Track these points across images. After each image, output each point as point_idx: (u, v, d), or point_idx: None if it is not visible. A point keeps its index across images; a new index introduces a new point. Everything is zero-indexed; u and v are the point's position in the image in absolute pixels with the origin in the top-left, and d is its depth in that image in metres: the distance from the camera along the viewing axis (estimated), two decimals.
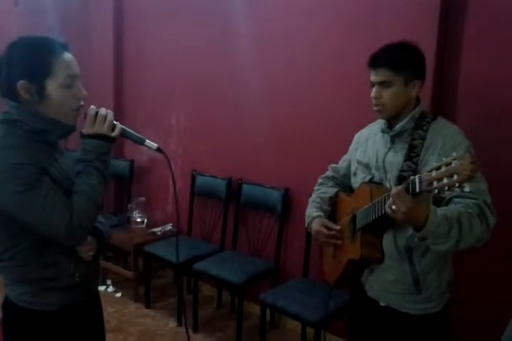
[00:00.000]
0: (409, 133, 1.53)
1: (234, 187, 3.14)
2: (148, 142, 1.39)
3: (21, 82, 1.22)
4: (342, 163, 1.90)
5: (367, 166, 1.68)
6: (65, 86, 1.26)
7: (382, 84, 1.51)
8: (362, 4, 2.44)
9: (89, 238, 1.34)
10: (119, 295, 3.33)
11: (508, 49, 2.04)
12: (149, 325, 2.98)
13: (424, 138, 1.50)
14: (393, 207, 1.28)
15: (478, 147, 1.55)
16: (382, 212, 1.39)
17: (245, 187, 3.06)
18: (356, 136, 1.85)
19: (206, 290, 3.35)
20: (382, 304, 1.62)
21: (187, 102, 3.44)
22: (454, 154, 1.12)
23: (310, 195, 2.61)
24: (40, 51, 1.24)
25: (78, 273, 1.36)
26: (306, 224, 1.83)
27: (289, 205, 2.89)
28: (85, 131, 1.32)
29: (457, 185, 1.08)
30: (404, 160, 1.51)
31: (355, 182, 1.74)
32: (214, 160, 3.29)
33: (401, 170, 1.51)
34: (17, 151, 1.21)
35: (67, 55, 1.27)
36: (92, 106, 1.32)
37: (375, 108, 1.58)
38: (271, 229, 2.96)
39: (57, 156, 1.34)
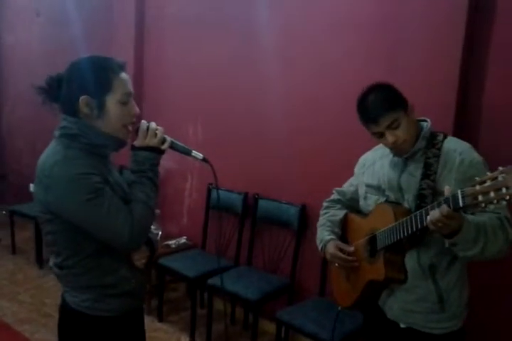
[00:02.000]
0: (422, 152, 1.55)
1: (250, 202, 3.13)
2: (194, 153, 1.47)
3: (83, 97, 1.29)
4: (348, 187, 1.90)
5: (378, 188, 1.68)
6: (122, 102, 1.34)
7: (391, 126, 1.52)
8: (385, 26, 2.45)
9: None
10: None
11: None
12: (162, 339, 2.96)
13: (438, 156, 1.53)
14: (440, 224, 1.28)
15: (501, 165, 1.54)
16: (414, 230, 1.40)
17: (262, 202, 3.06)
18: (361, 160, 1.86)
19: (219, 305, 3.33)
20: (402, 326, 1.60)
21: (205, 115, 3.46)
22: (501, 168, 1.13)
23: None
24: (102, 69, 1.32)
25: (134, 280, 1.43)
26: (320, 248, 1.83)
27: (305, 221, 2.88)
28: (137, 143, 1.39)
29: (508, 197, 1.09)
30: (422, 179, 1.52)
31: (367, 205, 1.73)
32: (231, 174, 3.28)
33: (420, 189, 1.52)
34: (80, 162, 1.28)
35: (124, 75, 1.36)
36: (143, 121, 1.39)
37: (395, 150, 1.59)
38: (287, 245, 2.95)
39: (110, 168, 1.42)
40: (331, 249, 1.75)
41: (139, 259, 1.43)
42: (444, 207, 1.25)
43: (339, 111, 2.66)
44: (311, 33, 2.79)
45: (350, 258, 1.70)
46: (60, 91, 1.34)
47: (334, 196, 1.95)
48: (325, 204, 1.96)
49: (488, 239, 1.37)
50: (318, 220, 2.74)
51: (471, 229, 1.33)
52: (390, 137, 1.53)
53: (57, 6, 4.49)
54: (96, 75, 1.31)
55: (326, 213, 1.92)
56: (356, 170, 1.87)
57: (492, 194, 1.12)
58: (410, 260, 1.55)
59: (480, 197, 1.15)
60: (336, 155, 2.71)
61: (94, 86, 1.30)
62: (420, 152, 1.56)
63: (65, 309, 1.43)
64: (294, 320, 2.39)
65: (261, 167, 3.10)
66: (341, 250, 1.73)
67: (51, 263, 1.43)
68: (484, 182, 1.14)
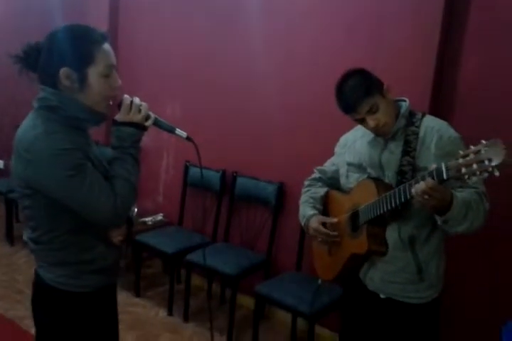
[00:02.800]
0: (402, 131, 1.62)
1: (228, 180, 3.16)
2: (178, 131, 1.45)
3: (64, 69, 1.24)
4: (330, 166, 1.94)
5: (360, 166, 1.74)
6: (104, 75, 1.29)
7: (370, 111, 1.57)
8: (366, 3, 2.48)
9: None
10: None
11: (508, 50, 2.13)
12: (140, 314, 3.00)
13: (417, 134, 1.59)
14: (425, 196, 1.33)
15: (475, 141, 1.60)
16: (397, 203, 1.46)
17: (240, 180, 3.09)
18: (342, 140, 1.90)
19: (195, 280, 3.37)
20: (382, 296, 1.68)
21: (182, 93, 3.43)
22: (483, 142, 1.19)
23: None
24: (83, 40, 1.26)
25: (110, 257, 1.42)
26: (303, 223, 1.87)
27: (283, 199, 2.93)
28: (120, 118, 1.35)
29: (490, 169, 1.15)
30: (402, 156, 1.59)
31: (349, 182, 1.79)
32: (208, 151, 3.23)
33: (400, 166, 1.59)
34: (61, 137, 1.24)
35: (107, 46, 1.31)
36: (126, 96, 1.36)
37: (377, 133, 1.64)
38: (264, 222, 3.00)
39: (90, 142, 1.38)
40: (314, 223, 1.80)
41: (116, 236, 1.43)
42: (429, 180, 1.31)
43: (319, 90, 2.68)
44: (291, 12, 2.79)
45: (332, 233, 1.75)
46: (38, 60, 1.28)
47: (315, 175, 1.99)
48: (306, 182, 2.00)
49: (475, 213, 1.44)
50: (295, 198, 2.81)
51: (460, 205, 1.40)
52: (371, 122, 1.58)
53: None
54: (77, 46, 1.25)
55: (307, 191, 1.96)
56: (337, 149, 1.91)
57: (475, 166, 1.18)
58: (391, 232, 1.62)
59: (463, 170, 1.21)
60: (314, 134, 2.75)
61: (76, 58, 1.25)
62: (400, 131, 1.62)
63: (38, 284, 1.41)
64: (273, 293, 2.46)
65: (239, 145, 3.12)
66: (324, 224, 1.78)
67: (25, 237, 1.40)
68: (467, 155, 1.20)
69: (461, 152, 1.23)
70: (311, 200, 1.90)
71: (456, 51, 2.26)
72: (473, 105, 2.24)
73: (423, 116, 1.65)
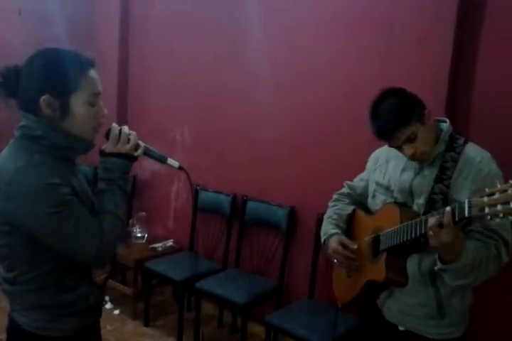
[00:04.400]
0: (441, 155, 1.50)
1: (238, 204, 3.10)
2: (170, 160, 1.37)
3: (44, 97, 1.16)
4: (359, 182, 1.84)
5: (387, 189, 1.64)
6: (89, 103, 1.22)
7: (408, 140, 1.46)
8: (377, 22, 2.44)
9: None
10: (117, 312, 3.24)
11: None
12: None
13: (456, 161, 1.47)
14: (431, 232, 1.25)
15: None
16: (417, 235, 1.35)
17: (250, 204, 3.02)
18: (374, 156, 1.80)
19: (206, 308, 3.28)
20: (401, 328, 1.58)
21: (192, 117, 3.42)
22: (511, 181, 1.09)
23: (318, 214, 2.62)
24: (67, 65, 1.18)
25: (92, 297, 1.32)
26: (322, 241, 1.76)
27: (294, 223, 2.85)
28: (108, 149, 1.29)
29: None
30: (435, 183, 1.47)
31: (374, 204, 1.70)
32: (218, 175, 3.26)
33: (432, 193, 1.47)
34: (47, 170, 1.16)
35: (93, 72, 1.23)
36: (114, 124, 1.30)
37: (414, 160, 1.53)
38: (275, 247, 2.92)
39: (76, 173, 1.31)
40: (333, 243, 1.68)
41: (100, 275, 1.34)
42: (448, 216, 1.21)
43: (330, 111, 2.65)
44: (301, 31, 2.76)
45: (350, 255, 1.64)
46: (17, 85, 1.19)
47: (345, 189, 1.88)
48: (335, 196, 1.89)
49: (481, 274, 1.35)
50: (307, 222, 2.75)
51: (468, 263, 1.30)
52: (407, 150, 1.46)
53: (40, 4, 4.40)
54: (60, 72, 1.16)
55: (334, 206, 1.84)
56: (369, 165, 1.80)
57: (499, 207, 1.08)
58: (411, 264, 1.51)
59: (487, 209, 1.11)
60: (325, 156, 2.69)
61: (58, 84, 1.16)
62: (439, 156, 1.50)
63: (13, 330, 1.29)
64: (284, 323, 2.36)
65: (250, 168, 3.07)
66: (344, 246, 1.66)
67: None
68: (493, 194, 1.11)
69: (487, 189, 1.13)
70: (335, 216, 1.79)
71: (470, 67, 2.18)
72: (489, 119, 2.14)
73: (465, 142, 1.52)
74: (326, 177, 2.65)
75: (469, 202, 1.16)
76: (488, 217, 1.11)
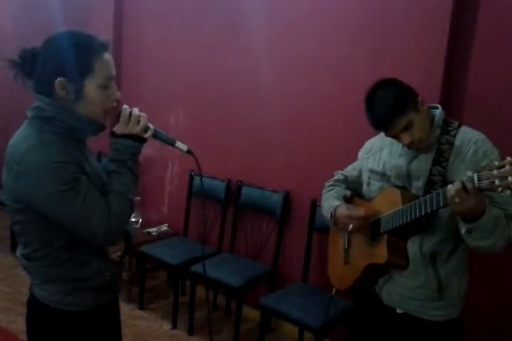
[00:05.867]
0: (437, 140, 1.53)
1: (233, 189, 3.11)
2: (178, 143, 1.38)
3: (60, 79, 1.19)
4: (351, 171, 1.86)
5: (383, 175, 1.66)
6: (103, 87, 1.24)
7: (405, 129, 1.48)
8: (371, 12, 2.44)
9: None
10: None
11: None
12: (144, 327, 2.94)
13: (452, 143, 1.50)
14: (457, 199, 1.25)
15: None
16: (422, 213, 1.38)
17: (245, 190, 3.04)
18: (367, 145, 1.81)
19: (200, 292, 3.31)
20: (399, 311, 1.61)
21: (187, 102, 3.41)
22: None
23: (312, 199, 2.65)
24: (82, 49, 1.20)
25: (109, 273, 1.35)
26: (329, 215, 1.74)
27: (289, 209, 2.88)
28: (119, 130, 1.30)
29: None
30: (433, 165, 1.50)
31: (370, 191, 1.71)
32: (213, 161, 3.25)
33: (430, 175, 1.50)
34: (57, 149, 1.18)
35: (107, 55, 1.25)
36: (125, 106, 1.31)
37: (412, 148, 1.54)
38: (270, 232, 2.95)
39: (88, 154, 1.33)
40: (342, 211, 1.67)
41: (115, 252, 1.36)
42: (468, 183, 1.22)
43: (327, 99, 2.66)
44: (293, 21, 2.76)
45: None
46: (34, 67, 1.22)
47: (338, 176, 1.89)
48: (328, 184, 1.89)
49: (501, 232, 1.36)
50: (301, 207, 2.78)
51: (491, 218, 1.32)
52: (405, 138, 1.49)
53: None
54: (76, 56, 1.19)
55: (331, 190, 1.84)
56: (361, 154, 1.82)
57: (510, 179, 1.11)
58: (412, 246, 1.54)
59: (497, 182, 1.14)
60: (320, 142, 2.71)
61: (73, 68, 1.19)
62: (435, 140, 1.53)
63: (32, 303, 1.34)
64: (279, 306, 2.40)
65: (245, 154, 3.08)
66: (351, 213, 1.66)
67: (18, 254, 1.33)
68: (503, 166, 1.13)
69: (496, 163, 1.16)
70: (336, 195, 1.79)
71: (465, 55, 2.21)
72: (483, 108, 2.18)
73: (459, 125, 1.55)
74: (321, 163, 2.67)
75: (478, 176, 1.20)
76: (499, 188, 1.14)
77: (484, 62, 2.17)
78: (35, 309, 1.34)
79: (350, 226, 1.66)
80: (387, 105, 1.47)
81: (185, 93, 3.40)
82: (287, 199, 2.86)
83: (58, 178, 1.16)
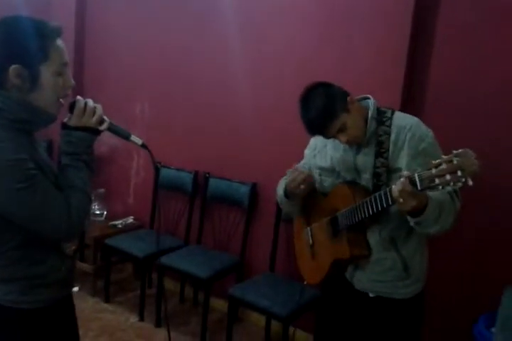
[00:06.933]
0: (374, 132, 1.58)
1: (200, 181, 3.10)
2: (134, 137, 1.34)
3: (15, 66, 1.12)
4: (303, 166, 1.86)
5: (332, 171, 1.70)
6: (58, 74, 1.18)
7: (339, 131, 1.53)
8: (334, 6, 2.47)
9: None
10: (76, 289, 3.20)
11: (478, 47, 2.16)
12: (110, 320, 2.90)
13: (389, 133, 1.56)
14: (401, 200, 1.31)
15: (445, 140, 1.61)
16: (379, 209, 1.42)
17: (212, 181, 3.04)
18: (312, 142, 1.85)
19: (168, 284, 3.30)
20: (371, 295, 1.66)
21: (152, 92, 3.36)
22: (454, 151, 1.16)
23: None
24: (37, 34, 1.14)
25: (64, 268, 1.31)
26: (283, 191, 1.74)
27: (256, 200, 2.90)
28: (73, 122, 1.25)
29: (463, 179, 1.13)
30: (376, 157, 1.56)
31: (323, 187, 1.74)
32: (181, 152, 3.24)
33: (375, 168, 1.56)
34: (10, 145, 1.12)
35: (60, 42, 1.19)
36: (79, 97, 1.26)
37: (351, 144, 1.60)
38: (237, 223, 2.96)
39: (37, 147, 1.27)
40: (288, 179, 1.66)
41: (69, 246, 1.33)
42: (406, 184, 1.27)
43: (291, 90, 2.66)
44: (265, 12, 2.76)
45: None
46: None
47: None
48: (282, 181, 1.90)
49: (446, 215, 1.43)
50: (268, 198, 2.79)
51: (434, 207, 1.38)
52: (342, 138, 1.54)
53: None
54: (31, 41, 1.12)
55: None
56: (307, 151, 1.86)
57: (448, 177, 1.15)
58: (372, 235, 1.60)
59: (437, 180, 1.18)
60: (287, 134, 2.72)
61: (29, 54, 1.12)
62: (373, 133, 1.57)
63: None
64: (246, 295, 2.42)
65: (212, 145, 3.07)
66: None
67: None
68: (440, 164, 1.18)
69: (433, 162, 1.20)
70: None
71: (425, 55, 2.27)
72: (444, 106, 2.26)
73: (392, 113, 1.60)
74: (288, 155, 2.65)
75: (419, 176, 1.24)
76: (440, 186, 1.19)
77: (446, 61, 2.24)
78: None
79: (302, 186, 1.63)
80: (318, 111, 1.51)
81: (152, 82, 3.35)
82: (254, 190, 2.87)
83: (15, 176, 1.11)
